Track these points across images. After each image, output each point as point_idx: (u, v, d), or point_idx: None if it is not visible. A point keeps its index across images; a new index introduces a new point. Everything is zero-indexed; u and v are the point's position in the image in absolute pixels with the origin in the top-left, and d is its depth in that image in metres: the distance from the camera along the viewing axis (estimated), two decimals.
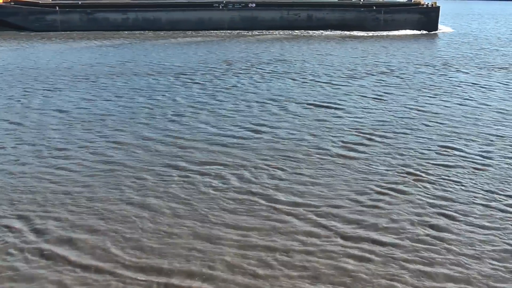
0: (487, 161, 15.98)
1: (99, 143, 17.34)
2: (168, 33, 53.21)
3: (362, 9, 57.39)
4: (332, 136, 18.43)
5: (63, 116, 20.67)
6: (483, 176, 14.79)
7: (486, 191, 13.82)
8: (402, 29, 57.14)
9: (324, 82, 27.91)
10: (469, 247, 10.98)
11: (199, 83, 27.39)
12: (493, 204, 13.02)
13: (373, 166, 15.51)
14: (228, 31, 55.56)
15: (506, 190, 13.86)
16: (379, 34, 55.35)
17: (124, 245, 10.83)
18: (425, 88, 26.83)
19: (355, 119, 20.74)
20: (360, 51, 41.47)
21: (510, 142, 17.97)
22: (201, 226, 11.64)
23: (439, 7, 57.93)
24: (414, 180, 14.46)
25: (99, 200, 12.97)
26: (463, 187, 14.07)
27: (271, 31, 55.72)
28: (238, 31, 55.78)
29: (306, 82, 27.87)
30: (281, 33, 54.93)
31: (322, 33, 55.30)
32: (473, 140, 18.09)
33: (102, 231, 11.44)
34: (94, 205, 12.71)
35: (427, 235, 11.48)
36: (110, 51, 40.03)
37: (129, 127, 19.17)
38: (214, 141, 17.62)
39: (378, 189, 13.89)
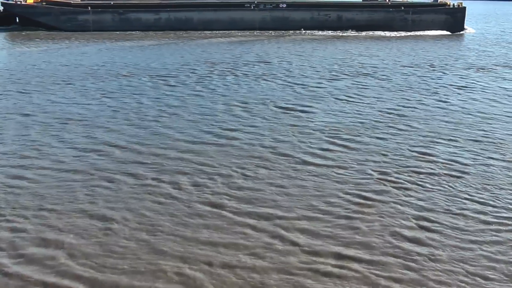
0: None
1: (67, 148, 16.99)
2: (211, 33, 53.54)
3: (391, 9, 58.20)
4: (308, 141, 18.00)
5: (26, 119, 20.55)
6: (462, 183, 14.46)
7: (466, 199, 13.42)
8: (429, 30, 58.06)
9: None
10: (452, 261, 10.51)
11: (180, 84, 27.79)
12: (473, 213, 12.61)
13: (346, 173, 15.03)
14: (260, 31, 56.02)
15: (488, 198, 13.50)
16: (407, 34, 56.22)
17: (73, 256, 10.50)
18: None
19: (334, 120, 20.82)
20: (405, 52, 42.26)
21: None
22: (153, 239, 11.16)
23: (465, 7, 58.95)
24: (389, 187, 13.99)
25: (49, 210, 12.51)
26: (441, 195, 13.60)
27: (302, 31, 56.29)
28: (270, 31, 56.20)
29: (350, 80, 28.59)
30: (311, 33, 55.58)
31: (351, 33, 56.04)
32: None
33: (52, 242, 11.03)
34: (42, 214, 12.27)
35: (405, 248, 10.95)
36: (153, 51, 40.42)
37: (99, 131, 18.98)
38: (177, 146, 17.22)
39: (351, 198, 13.37)
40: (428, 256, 10.70)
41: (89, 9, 55.42)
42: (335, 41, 50.00)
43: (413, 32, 57.41)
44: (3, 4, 56.70)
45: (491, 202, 13.33)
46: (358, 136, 18.86)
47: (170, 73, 31.26)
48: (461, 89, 27.73)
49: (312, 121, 20.75)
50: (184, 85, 27.96)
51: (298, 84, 28.37)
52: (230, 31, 55.36)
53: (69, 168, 15.36)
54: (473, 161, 16.37)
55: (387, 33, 56.22)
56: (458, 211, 12.77)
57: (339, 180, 14.58)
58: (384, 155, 16.81)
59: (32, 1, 56.74)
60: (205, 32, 54.59)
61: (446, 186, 14.31)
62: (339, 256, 10.64)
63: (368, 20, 57.74)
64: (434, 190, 14.05)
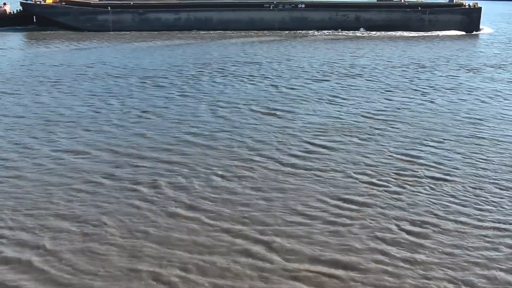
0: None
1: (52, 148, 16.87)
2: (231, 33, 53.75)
3: (408, 9, 58.69)
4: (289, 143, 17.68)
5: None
6: (446, 187, 14.15)
7: (450, 202, 13.15)
8: (445, 30, 58.59)
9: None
10: (434, 265, 10.27)
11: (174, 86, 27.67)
12: (458, 217, 12.32)
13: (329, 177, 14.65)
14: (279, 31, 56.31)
15: (473, 201, 13.26)
16: (424, 34, 56.71)
17: (48, 260, 10.31)
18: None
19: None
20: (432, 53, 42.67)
21: None
22: (129, 242, 11.00)
23: (480, 8, 59.55)
24: (372, 190, 13.70)
25: (24, 214, 12.29)
26: (425, 198, 13.32)
27: (320, 31, 56.66)
28: (289, 31, 56.50)
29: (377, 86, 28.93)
30: (328, 32, 56.01)
31: (368, 33, 56.45)
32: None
33: (28, 246, 10.88)
34: (18, 218, 12.05)
35: (386, 252, 10.68)
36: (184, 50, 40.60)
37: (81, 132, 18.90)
38: (155, 147, 17.04)
39: (334, 201, 12.98)
40: (409, 260, 10.40)
41: (109, 9, 55.48)
42: (354, 41, 50.40)
43: (429, 32, 57.90)
44: (22, 4, 56.65)
45: (476, 205, 12.99)
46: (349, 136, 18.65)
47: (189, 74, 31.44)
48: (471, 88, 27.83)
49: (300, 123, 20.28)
50: (212, 86, 28.14)
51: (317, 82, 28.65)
52: (249, 31, 55.61)
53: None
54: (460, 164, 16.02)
55: (405, 33, 56.70)
56: (442, 215, 12.37)
57: (319, 183, 14.12)
58: (366, 157, 16.32)
59: (51, 1, 56.75)
60: (225, 31, 54.82)
61: (430, 189, 13.89)
62: (317, 261, 10.30)
63: (385, 20, 58.21)
64: (418, 193, 13.61)
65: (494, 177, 14.89)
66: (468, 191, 13.88)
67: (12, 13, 59.15)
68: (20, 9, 59.15)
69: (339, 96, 25.35)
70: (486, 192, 13.85)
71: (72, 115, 21.29)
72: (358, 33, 56.11)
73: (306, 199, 13.17)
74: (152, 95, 25.13)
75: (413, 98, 25.12)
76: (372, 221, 12.03)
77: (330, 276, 9.85)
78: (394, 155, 16.63)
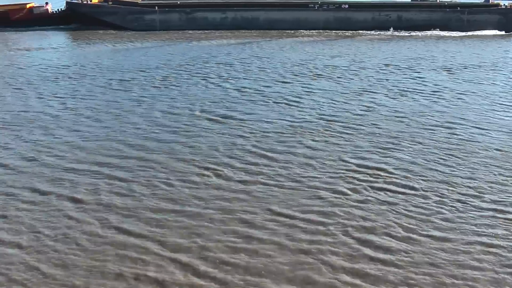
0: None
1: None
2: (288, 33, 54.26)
3: (448, 9, 59.88)
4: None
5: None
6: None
7: (415, 213, 12.78)
8: (483, 30, 59.85)
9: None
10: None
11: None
12: (425, 231, 11.88)
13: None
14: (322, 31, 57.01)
15: (443, 210, 12.94)
16: (465, 34, 57.93)
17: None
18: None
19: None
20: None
21: None
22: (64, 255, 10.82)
23: None
24: (330, 201, 13.20)
25: None
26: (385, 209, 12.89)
27: (365, 31, 57.49)
28: (333, 31, 57.23)
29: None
30: (373, 32, 56.95)
31: (410, 33, 57.50)
32: None
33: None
34: None
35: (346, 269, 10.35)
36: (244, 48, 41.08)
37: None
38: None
39: (275, 217, 12.29)
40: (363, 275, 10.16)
41: (156, 8, 55.59)
42: (398, 41, 51.40)
43: (469, 32, 59.13)
44: (68, 3, 56.50)
45: (446, 215, 12.63)
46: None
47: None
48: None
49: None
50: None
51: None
52: (295, 31, 56.21)
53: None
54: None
55: (446, 33, 57.85)
56: (407, 227, 11.94)
57: (267, 193, 13.50)
58: (315, 167, 15.59)
59: (97, 1, 56.68)
60: (271, 31, 55.32)
61: (390, 198, 13.41)
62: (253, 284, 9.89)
63: (426, 20, 59.29)
64: (377, 203, 13.12)
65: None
66: (433, 201, 13.28)
67: (53, 12, 58.90)
68: (61, 9, 58.97)
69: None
70: (457, 201, 13.37)
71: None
72: (402, 33, 57.06)
73: (247, 215, 12.44)
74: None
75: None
76: (321, 236, 11.45)
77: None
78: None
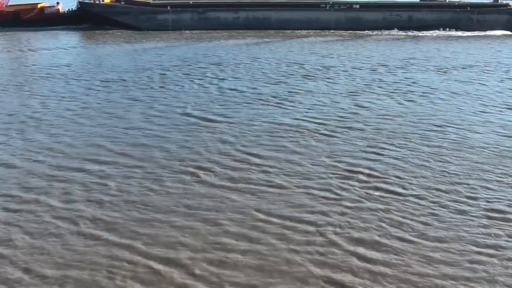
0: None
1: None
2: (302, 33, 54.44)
3: (458, 9, 60.20)
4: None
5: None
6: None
7: (403, 218, 12.43)
8: (492, 30, 60.22)
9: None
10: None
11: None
12: (412, 237, 11.59)
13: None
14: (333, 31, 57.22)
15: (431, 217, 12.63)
16: (474, 34, 58.27)
17: None
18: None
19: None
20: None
21: None
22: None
23: None
24: (315, 205, 12.84)
25: None
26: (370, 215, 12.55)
27: (377, 31, 57.76)
28: (344, 31, 57.45)
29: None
30: (384, 32, 57.21)
31: (420, 33, 57.79)
32: None
33: None
34: None
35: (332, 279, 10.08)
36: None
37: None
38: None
39: (269, 218, 12.09)
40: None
41: (169, 8, 55.68)
42: (413, 41, 51.67)
43: (478, 32, 59.48)
44: (81, 3, 56.51)
45: (439, 217, 12.46)
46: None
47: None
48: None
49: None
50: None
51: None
52: (306, 31, 56.42)
53: None
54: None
55: (456, 33, 58.20)
56: (388, 235, 11.55)
57: (251, 197, 13.16)
58: (305, 169, 15.24)
59: (109, 1, 56.73)
60: (284, 31, 55.52)
61: (376, 203, 13.11)
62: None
63: (436, 20, 59.60)
64: (365, 208, 12.79)
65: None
66: (425, 203, 13.04)
67: (64, 12, 58.92)
68: (71, 8, 58.99)
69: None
70: (441, 207, 13.12)
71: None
72: (412, 33, 57.32)
73: (235, 215, 12.24)
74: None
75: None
76: (313, 240, 11.25)
77: None
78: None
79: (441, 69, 33.92)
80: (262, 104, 23.38)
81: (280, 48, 43.59)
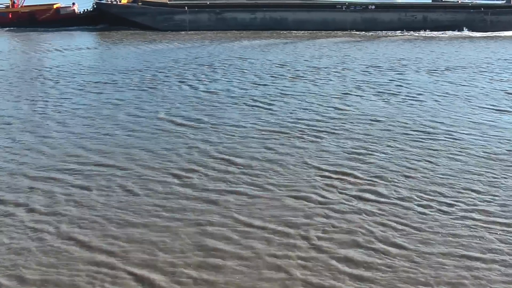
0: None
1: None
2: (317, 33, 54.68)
3: (472, 10, 60.68)
4: None
5: None
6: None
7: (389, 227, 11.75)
8: (506, 30, 60.70)
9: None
10: None
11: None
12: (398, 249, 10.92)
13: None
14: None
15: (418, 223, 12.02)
16: (488, 34, 58.73)
17: None
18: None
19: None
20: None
21: None
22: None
23: None
24: (298, 213, 12.32)
25: None
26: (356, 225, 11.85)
27: (392, 31, 58.11)
28: (359, 31, 57.76)
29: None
30: (398, 33, 57.57)
31: (435, 34, 58.19)
32: None
33: None
34: None
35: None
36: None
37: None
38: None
39: (246, 228, 11.58)
40: None
41: (186, 9, 55.79)
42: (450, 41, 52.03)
43: (491, 32, 59.96)
44: (97, 4, 56.53)
45: (425, 222, 11.96)
46: None
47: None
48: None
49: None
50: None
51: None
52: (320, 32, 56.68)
53: None
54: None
55: (470, 34, 58.65)
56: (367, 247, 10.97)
57: (230, 206, 12.57)
58: (288, 173, 14.66)
59: (126, 1, 56.79)
60: (299, 31, 55.75)
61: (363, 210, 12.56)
62: None
63: (450, 21, 60.04)
64: (349, 215, 12.23)
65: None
66: (411, 206, 12.70)
67: (80, 12, 58.92)
68: (87, 9, 58.99)
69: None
70: (432, 206, 12.79)
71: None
72: (427, 34, 57.70)
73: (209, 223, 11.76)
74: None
75: None
76: (295, 243, 10.89)
77: None
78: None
79: (467, 69, 34.21)
80: (249, 105, 22.96)
81: (301, 49, 43.80)
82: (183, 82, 28.37)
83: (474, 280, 9.92)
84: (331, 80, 29.44)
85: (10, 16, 57.70)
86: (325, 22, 57.94)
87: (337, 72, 32.01)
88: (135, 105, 23.06)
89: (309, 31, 56.11)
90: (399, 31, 58.14)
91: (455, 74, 31.77)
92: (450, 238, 11.34)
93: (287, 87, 27.13)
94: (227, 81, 28.68)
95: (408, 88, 27.21)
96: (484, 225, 11.95)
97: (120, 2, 56.51)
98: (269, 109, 22.25)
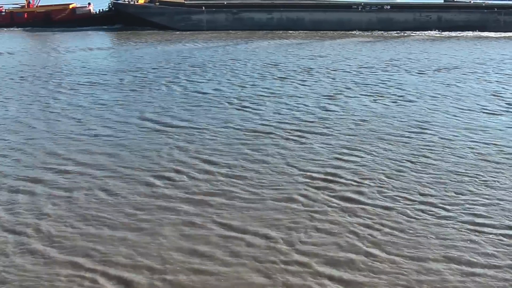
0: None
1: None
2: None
3: (485, 10, 61.11)
4: None
5: None
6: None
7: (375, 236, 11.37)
8: None
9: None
10: None
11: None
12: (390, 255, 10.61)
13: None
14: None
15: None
16: (502, 35, 59.16)
17: None
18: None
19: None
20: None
21: None
22: None
23: None
24: (282, 217, 12.03)
25: None
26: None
27: (406, 32, 58.41)
28: (375, 31, 58.02)
29: None
30: (412, 33, 57.85)
31: (450, 34, 58.54)
32: None
33: None
34: None
35: None
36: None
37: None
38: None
39: (230, 233, 11.26)
40: None
41: (203, 9, 55.86)
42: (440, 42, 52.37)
43: (505, 33, 60.38)
44: (114, 4, 56.51)
45: (412, 224, 11.69)
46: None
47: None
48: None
49: None
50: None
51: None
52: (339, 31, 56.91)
53: None
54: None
55: (484, 34, 59.05)
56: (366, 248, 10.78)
57: (215, 210, 12.28)
58: (275, 176, 14.28)
59: (143, 1, 56.81)
60: (317, 31, 55.93)
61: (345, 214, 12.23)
62: None
63: (464, 21, 60.44)
64: (334, 222, 11.84)
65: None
66: (396, 212, 12.37)
67: (95, 12, 58.84)
68: (103, 9, 58.91)
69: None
70: (420, 209, 12.51)
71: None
72: (442, 34, 58.03)
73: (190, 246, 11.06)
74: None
75: None
76: (277, 247, 10.67)
77: None
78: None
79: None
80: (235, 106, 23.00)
81: (317, 49, 43.99)
82: (210, 80, 28.56)
83: (459, 283, 9.58)
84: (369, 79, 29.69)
85: (25, 16, 57.57)
86: (341, 22, 58.18)
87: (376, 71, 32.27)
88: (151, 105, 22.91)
89: (325, 31, 56.38)
90: (414, 31, 58.53)
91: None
92: (435, 241, 11.02)
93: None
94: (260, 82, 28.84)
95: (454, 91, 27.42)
96: (471, 227, 11.59)
97: (137, 2, 56.50)
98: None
